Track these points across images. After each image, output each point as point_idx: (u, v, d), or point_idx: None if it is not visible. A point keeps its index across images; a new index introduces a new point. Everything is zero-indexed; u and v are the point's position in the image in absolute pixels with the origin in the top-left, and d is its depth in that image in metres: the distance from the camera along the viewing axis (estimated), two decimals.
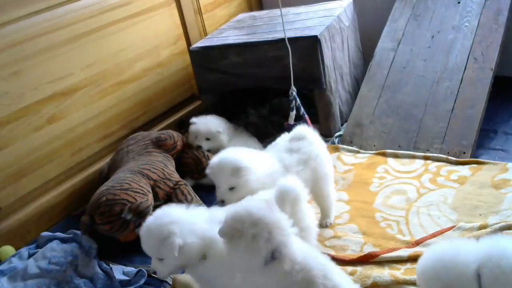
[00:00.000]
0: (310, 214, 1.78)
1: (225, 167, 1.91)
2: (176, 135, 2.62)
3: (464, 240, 1.80)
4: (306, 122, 2.55)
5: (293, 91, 2.57)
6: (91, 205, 2.19)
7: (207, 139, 2.66)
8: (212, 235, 1.58)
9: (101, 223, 2.16)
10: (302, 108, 2.59)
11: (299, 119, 2.60)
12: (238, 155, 1.95)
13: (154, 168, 2.36)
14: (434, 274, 1.44)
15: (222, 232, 1.45)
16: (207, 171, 1.99)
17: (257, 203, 1.50)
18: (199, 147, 2.65)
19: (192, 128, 2.68)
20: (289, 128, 2.55)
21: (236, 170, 1.88)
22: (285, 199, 1.62)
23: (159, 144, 2.54)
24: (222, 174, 1.92)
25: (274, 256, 1.40)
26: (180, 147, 2.59)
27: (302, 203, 1.72)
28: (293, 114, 2.58)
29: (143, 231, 1.63)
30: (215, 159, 1.97)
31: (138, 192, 2.20)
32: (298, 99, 2.58)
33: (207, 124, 2.67)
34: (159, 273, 1.68)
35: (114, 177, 2.33)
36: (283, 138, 2.15)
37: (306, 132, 2.10)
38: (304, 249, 1.47)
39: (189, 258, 1.62)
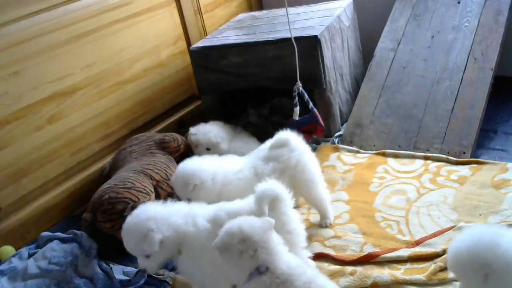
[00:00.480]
0: (295, 217, 1.76)
1: (178, 182, 2.04)
2: (180, 138, 2.62)
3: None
4: (316, 117, 2.54)
5: (299, 86, 2.56)
6: (93, 203, 2.19)
7: (208, 149, 2.62)
8: (186, 230, 1.67)
9: (103, 220, 2.16)
10: (310, 103, 2.56)
11: (305, 114, 2.59)
12: (191, 169, 2.03)
13: (157, 169, 2.36)
14: (471, 254, 1.39)
15: (215, 244, 1.51)
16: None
17: (252, 220, 1.53)
18: None
19: (192, 138, 2.64)
20: (294, 124, 2.56)
21: (187, 186, 1.99)
22: (263, 201, 1.65)
23: (162, 146, 2.54)
24: (177, 188, 2.06)
25: (260, 270, 1.45)
26: (183, 150, 2.60)
27: (284, 206, 1.73)
28: (297, 109, 2.56)
29: (123, 232, 1.70)
30: (175, 172, 2.10)
31: (141, 192, 2.21)
32: (306, 94, 2.57)
33: (207, 134, 2.62)
34: (148, 269, 1.75)
35: (117, 175, 2.33)
36: (265, 145, 2.15)
37: (288, 139, 2.08)
38: (291, 263, 1.49)
39: (170, 251, 1.69)
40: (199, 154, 2.59)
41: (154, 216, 1.68)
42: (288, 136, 2.10)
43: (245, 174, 2.07)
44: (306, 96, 2.57)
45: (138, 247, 1.66)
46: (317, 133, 2.57)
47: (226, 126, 2.77)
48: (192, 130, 2.67)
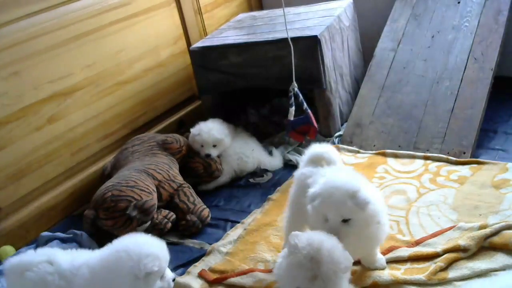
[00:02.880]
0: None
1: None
2: (182, 139, 2.62)
3: None
4: (310, 118, 2.54)
5: (294, 87, 2.56)
6: (95, 200, 2.20)
7: (214, 145, 2.61)
8: None
9: (105, 218, 2.17)
10: (305, 103, 2.56)
11: (300, 115, 2.59)
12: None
13: (159, 169, 2.37)
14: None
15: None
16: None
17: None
18: (208, 155, 2.59)
19: (196, 139, 2.60)
20: (289, 124, 2.56)
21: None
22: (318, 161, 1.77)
23: (165, 146, 2.54)
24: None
25: None
26: (185, 152, 2.60)
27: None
28: (292, 110, 2.56)
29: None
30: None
31: (144, 191, 2.21)
32: (300, 95, 2.57)
33: (211, 131, 2.59)
34: None
35: (119, 174, 2.34)
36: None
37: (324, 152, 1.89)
38: None
39: None
40: (206, 152, 2.58)
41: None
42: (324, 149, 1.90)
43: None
44: (301, 97, 2.57)
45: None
46: (310, 134, 2.58)
47: (225, 122, 2.76)
48: (194, 130, 2.63)
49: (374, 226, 1.64)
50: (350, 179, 1.62)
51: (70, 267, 1.64)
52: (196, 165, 2.58)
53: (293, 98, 2.57)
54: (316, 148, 1.88)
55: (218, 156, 2.64)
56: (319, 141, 2.77)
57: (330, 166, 1.82)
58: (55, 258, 1.67)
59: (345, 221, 1.58)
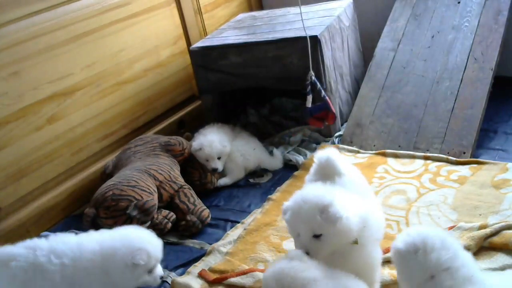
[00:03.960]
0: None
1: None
2: (185, 142, 2.61)
3: None
4: (328, 104, 2.57)
5: (312, 75, 2.58)
6: (96, 198, 2.20)
7: (218, 158, 2.59)
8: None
9: (105, 217, 2.17)
10: (322, 91, 2.59)
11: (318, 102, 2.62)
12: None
13: (160, 170, 2.37)
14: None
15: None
16: None
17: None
18: (215, 169, 2.57)
19: (200, 154, 2.57)
20: (307, 111, 2.59)
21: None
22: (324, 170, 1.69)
23: (167, 148, 2.54)
24: None
25: None
26: (187, 155, 2.59)
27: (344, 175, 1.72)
28: (310, 97, 2.58)
29: None
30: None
31: (145, 191, 2.21)
32: (318, 83, 2.59)
33: (213, 144, 2.55)
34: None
35: (121, 174, 2.34)
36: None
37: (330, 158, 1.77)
38: None
39: None
40: (213, 167, 2.57)
41: None
42: (329, 154, 1.78)
43: None
44: (319, 85, 2.60)
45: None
46: (328, 119, 2.62)
47: (223, 127, 2.76)
48: (195, 145, 2.58)
49: (352, 247, 1.51)
50: (323, 193, 1.52)
51: (64, 247, 1.73)
52: (193, 171, 2.58)
53: (310, 86, 2.58)
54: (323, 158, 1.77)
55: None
56: (320, 141, 2.78)
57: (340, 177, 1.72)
58: (41, 244, 1.73)
59: (316, 236, 1.49)
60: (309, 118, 2.63)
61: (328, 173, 1.73)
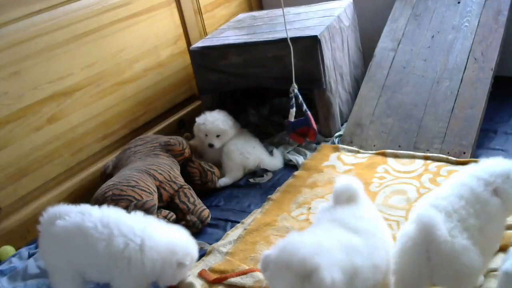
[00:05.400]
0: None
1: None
2: (185, 142, 2.61)
3: None
4: (309, 120, 2.54)
5: (294, 88, 2.56)
6: (96, 198, 2.19)
7: (217, 136, 2.68)
8: None
9: None
10: (304, 105, 2.56)
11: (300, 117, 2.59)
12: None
13: (160, 170, 2.37)
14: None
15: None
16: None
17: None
18: (211, 145, 2.68)
19: (201, 128, 2.69)
20: (289, 126, 2.56)
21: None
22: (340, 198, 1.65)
23: (167, 148, 2.54)
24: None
25: None
26: (187, 155, 2.59)
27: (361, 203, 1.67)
28: (293, 111, 2.56)
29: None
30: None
31: (145, 191, 2.21)
32: (300, 97, 2.57)
33: (216, 121, 2.67)
34: None
35: (120, 174, 2.34)
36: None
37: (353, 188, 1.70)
38: None
39: None
40: (210, 142, 2.67)
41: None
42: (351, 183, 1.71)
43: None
44: (300, 98, 2.57)
45: None
46: (309, 136, 2.57)
47: (230, 116, 2.78)
48: (199, 120, 2.71)
49: None
50: (309, 252, 1.38)
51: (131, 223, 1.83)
52: (193, 171, 2.58)
53: (293, 99, 2.57)
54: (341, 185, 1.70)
55: (219, 167, 2.66)
56: (320, 141, 2.78)
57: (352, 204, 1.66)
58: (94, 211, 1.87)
59: None
60: (291, 133, 2.60)
61: (344, 202, 1.67)
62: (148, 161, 2.43)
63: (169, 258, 1.78)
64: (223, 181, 2.62)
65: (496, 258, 1.72)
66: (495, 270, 1.68)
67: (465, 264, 1.45)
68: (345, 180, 1.72)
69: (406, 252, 1.51)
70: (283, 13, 2.58)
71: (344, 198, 1.66)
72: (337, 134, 2.80)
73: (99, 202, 2.17)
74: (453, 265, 1.45)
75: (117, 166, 2.51)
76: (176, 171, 2.45)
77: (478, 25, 2.72)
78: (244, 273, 1.92)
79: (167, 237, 1.82)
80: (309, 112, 2.56)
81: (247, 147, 2.68)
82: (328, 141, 2.76)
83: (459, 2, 2.88)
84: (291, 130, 2.58)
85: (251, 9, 3.74)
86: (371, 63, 2.88)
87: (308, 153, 2.70)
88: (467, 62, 2.63)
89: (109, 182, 2.26)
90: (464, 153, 2.38)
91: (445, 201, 1.55)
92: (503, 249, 1.75)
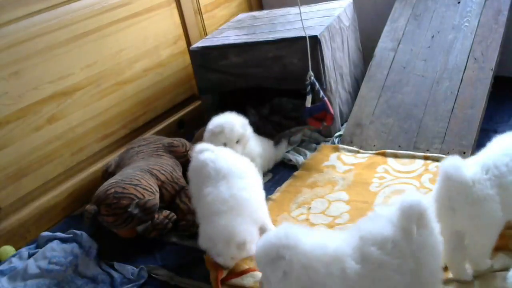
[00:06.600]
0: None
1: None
2: (188, 144, 2.62)
3: None
4: (326, 105, 2.57)
5: (311, 75, 2.58)
6: (98, 196, 2.20)
7: (236, 142, 2.40)
8: None
9: (106, 214, 2.17)
10: (321, 92, 2.60)
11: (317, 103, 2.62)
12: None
13: (163, 170, 2.37)
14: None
15: None
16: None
17: None
18: None
19: (219, 137, 2.34)
20: (306, 111, 2.60)
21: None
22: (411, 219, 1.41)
23: (170, 149, 2.54)
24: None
25: None
26: (190, 157, 2.59)
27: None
28: (309, 97, 2.58)
29: None
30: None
31: (147, 190, 2.21)
32: (317, 83, 2.59)
33: (235, 127, 2.37)
34: None
35: (123, 172, 2.34)
36: None
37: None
38: None
39: None
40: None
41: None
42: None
43: None
44: (317, 86, 2.59)
45: None
46: (327, 120, 2.62)
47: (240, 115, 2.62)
48: (215, 128, 2.36)
49: None
50: (269, 240, 1.44)
51: None
52: None
53: (310, 86, 2.59)
54: None
55: None
56: (320, 141, 2.78)
57: None
58: None
59: None
60: (308, 118, 2.63)
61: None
62: (151, 161, 2.43)
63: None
64: None
65: (496, 258, 1.73)
66: (495, 270, 1.69)
67: (484, 212, 1.47)
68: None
69: (434, 200, 1.56)
70: (299, 9, 2.62)
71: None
72: (337, 134, 2.80)
73: (101, 199, 2.18)
74: (472, 210, 1.47)
75: (119, 165, 2.51)
76: (178, 172, 2.45)
77: (478, 25, 2.73)
78: (244, 273, 1.93)
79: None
80: (326, 98, 2.60)
81: (267, 147, 2.65)
82: (328, 141, 2.76)
83: (459, 2, 2.88)
84: (308, 115, 2.61)
85: (251, 9, 3.74)
86: (371, 63, 2.88)
87: (308, 153, 2.70)
88: (467, 62, 2.63)
89: (111, 180, 2.27)
90: (464, 153, 2.38)
91: (487, 156, 1.61)
92: (503, 248, 1.75)
